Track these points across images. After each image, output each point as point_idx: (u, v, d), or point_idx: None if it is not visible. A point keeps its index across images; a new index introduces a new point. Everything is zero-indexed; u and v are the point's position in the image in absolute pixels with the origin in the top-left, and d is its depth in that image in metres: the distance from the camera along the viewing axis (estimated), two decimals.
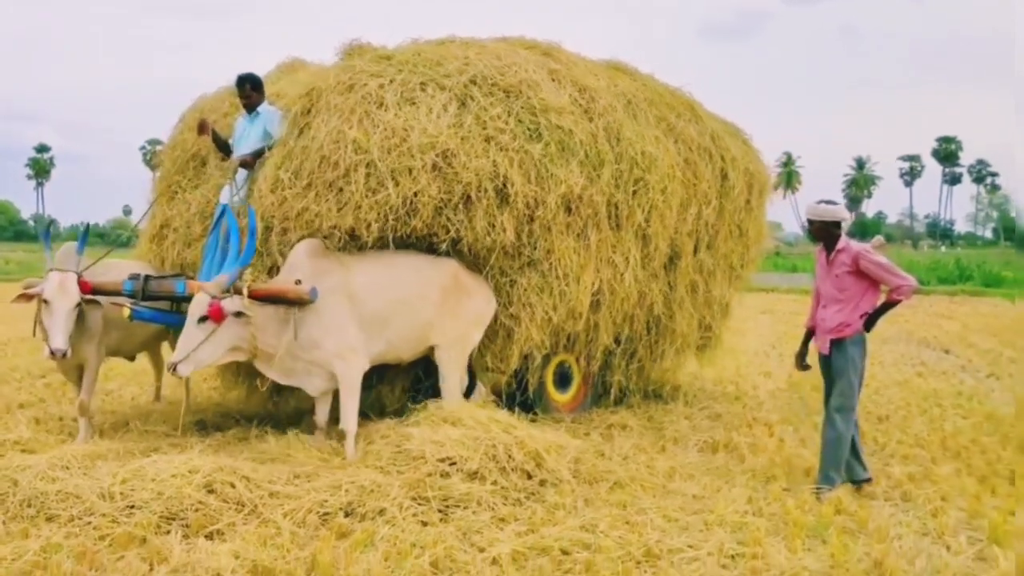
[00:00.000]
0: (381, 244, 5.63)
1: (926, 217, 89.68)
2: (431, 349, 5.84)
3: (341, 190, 5.49)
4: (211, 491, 4.45)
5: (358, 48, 6.37)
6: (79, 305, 5.54)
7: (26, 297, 5.59)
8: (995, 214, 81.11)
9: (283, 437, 5.54)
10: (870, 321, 5.14)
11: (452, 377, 5.83)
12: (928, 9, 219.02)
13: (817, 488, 4.99)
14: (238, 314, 5.07)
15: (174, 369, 5.04)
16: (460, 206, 5.61)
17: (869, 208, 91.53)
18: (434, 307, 5.67)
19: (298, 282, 5.26)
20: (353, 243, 5.65)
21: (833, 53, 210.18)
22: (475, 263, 5.92)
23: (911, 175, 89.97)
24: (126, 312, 5.59)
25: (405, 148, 5.46)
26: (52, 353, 5.41)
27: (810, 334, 5.47)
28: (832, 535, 4.23)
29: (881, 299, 5.17)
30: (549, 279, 5.96)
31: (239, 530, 4.15)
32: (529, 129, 5.79)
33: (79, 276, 5.59)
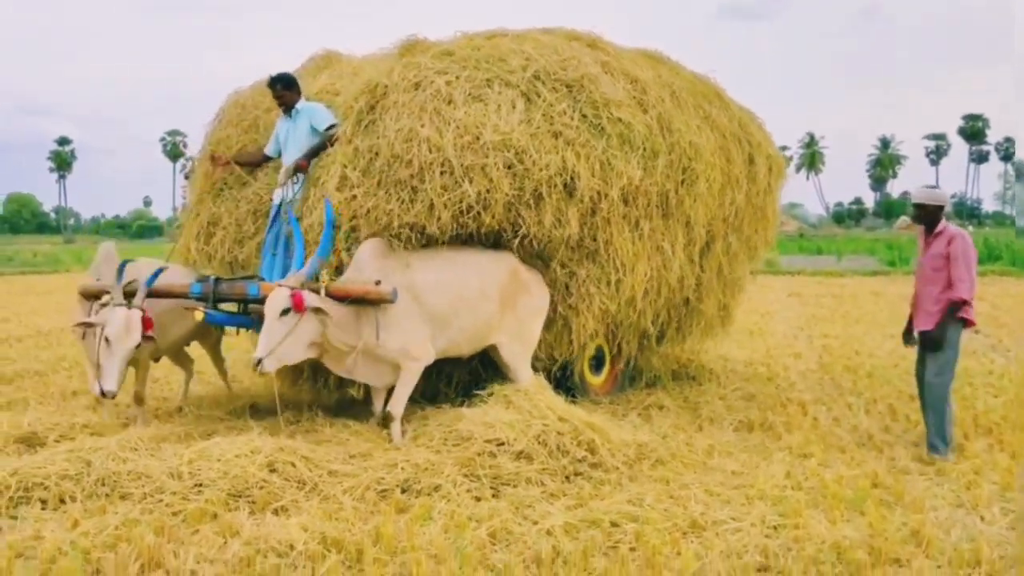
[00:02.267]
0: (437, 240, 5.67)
1: (953, 196, 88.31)
2: (492, 346, 5.90)
3: (415, 189, 5.51)
4: (273, 470, 4.69)
5: (416, 44, 6.33)
6: (139, 345, 5.47)
7: (86, 324, 5.53)
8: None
9: (335, 422, 5.76)
10: (940, 330, 5.49)
11: (521, 373, 5.89)
12: None
13: (929, 453, 5.47)
14: (317, 309, 5.05)
15: (259, 364, 4.97)
16: (531, 202, 5.64)
17: (894, 188, 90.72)
18: (495, 304, 5.73)
19: (378, 282, 5.26)
20: (417, 239, 5.66)
21: (856, 31, 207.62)
22: (537, 257, 5.98)
23: (937, 154, 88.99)
24: (199, 316, 5.57)
25: (478, 146, 5.50)
26: (103, 394, 5.33)
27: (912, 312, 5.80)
28: (870, 507, 4.39)
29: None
30: (607, 270, 6.08)
31: (303, 506, 4.39)
32: (592, 124, 5.86)
33: (143, 313, 5.48)
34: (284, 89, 6.21)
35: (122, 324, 5.32)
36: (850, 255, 31.59)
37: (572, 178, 5.66)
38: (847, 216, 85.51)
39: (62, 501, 4.45)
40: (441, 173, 5.46)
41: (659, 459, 5.19)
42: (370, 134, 5.77)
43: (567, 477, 4.87)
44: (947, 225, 5.59)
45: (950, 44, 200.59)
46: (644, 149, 6.03)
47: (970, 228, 57.63)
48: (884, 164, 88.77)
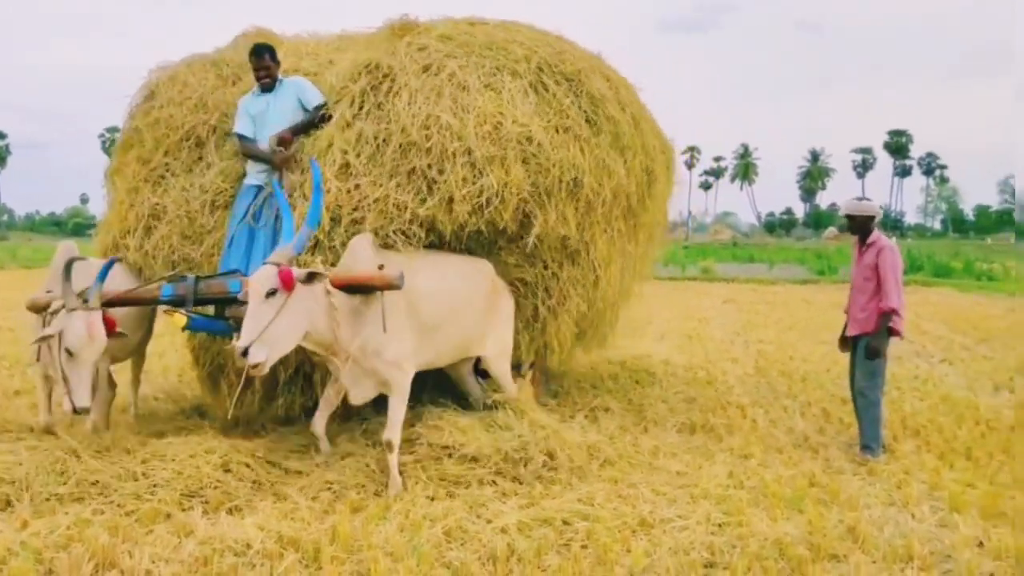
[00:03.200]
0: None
1: (881, 208, 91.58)
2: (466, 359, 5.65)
3: (432, 179, 5.12)
4: (228, 470, 4.68)
5: (410, 24, 5.94)
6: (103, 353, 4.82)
7: (42, 339, 4.85)
8: (944, 206, 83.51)
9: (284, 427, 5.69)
10: (874, 339, 5.72)
11: (507, 381, 5.69)
12: (884, 5, 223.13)
13: (862, 454, 5.71)
14: (309, 278, 4.38)
15: (245, 354, 4.12)
16: (542, 198, 5.35)
17: (823, 199, 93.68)
18: (480, 314, 5.41)
19: (381, 267, 4.73)
20: (423, 238, 5.24)
21: (790, 47, 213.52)
22: (527, 259, 5.73)
23: (863, 167, 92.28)
24: (181, 322, 4.89)
25: (497, 137, 5.18)
26: (76, 411, 4.68)
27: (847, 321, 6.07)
28: (808, 505, 4.60)
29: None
30: (586, 271, 5.90)
31: (257, 506, 4.39)
32: (590, 120, 5.65)
33: (104, 313, 4.79)
34: (272, 60, 5.65)
35: (82, 330, 4.62)
36: (781, 264, 32.54)
37: (577, 176, 5.45)
38: (778, 226, 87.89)
39: (8, 503, 4.35)
40: (463, 164, 5.10)
41: (607, 459, 5.33)
42: (376, 118, 5.35)
43: (515, 478, 4.94)
44: (879, 236, 5.87)
45: (880, 60, 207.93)
46: (626, 148, 5.90)
47: (894, 239, 59.79)
48: (814, 176, 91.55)
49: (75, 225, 70.10)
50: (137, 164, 5.98)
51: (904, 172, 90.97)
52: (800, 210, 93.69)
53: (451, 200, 5.09)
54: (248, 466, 4.75)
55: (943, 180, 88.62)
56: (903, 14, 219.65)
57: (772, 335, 12.26)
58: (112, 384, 5.80)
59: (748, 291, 21.09)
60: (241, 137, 5.65)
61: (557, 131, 5.42)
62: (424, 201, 5.11)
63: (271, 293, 4.26)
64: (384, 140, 5.22)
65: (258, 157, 5.53)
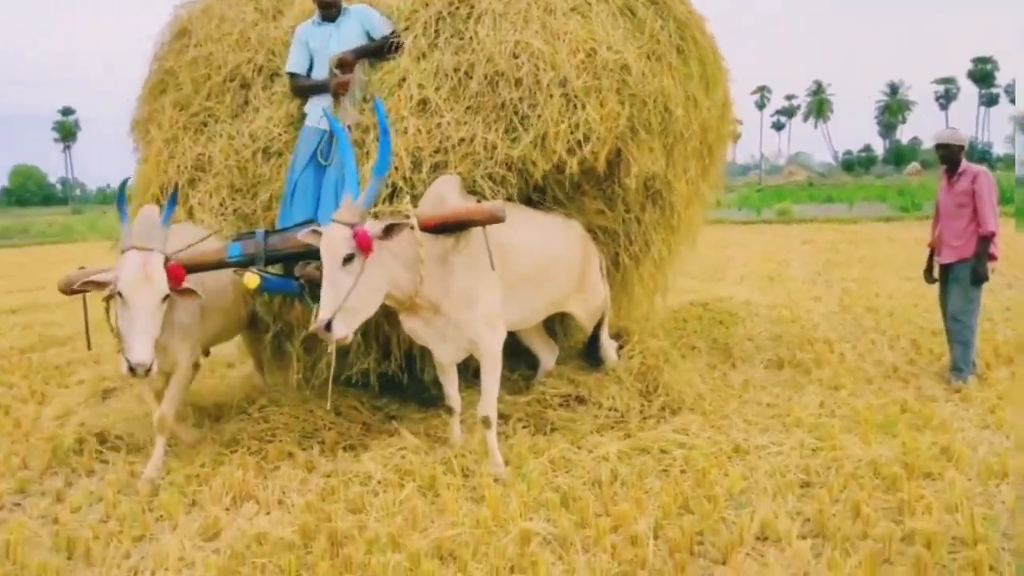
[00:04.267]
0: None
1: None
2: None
3: (525, 115, 4.65)
4: (339, 413, 5.01)
5: None
6: (167, 298, 4.05)
7: (95, 285, 4.05)
8: None
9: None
10: (979, 265, 5.77)
11: (605, 340, 5.45)
12: None
13: (953, 376, 5.82)
14: (387, 231, 3.93)
15: (327, 328, 3.74)
16: (637, 133, 4.97)
17: (904, 134, 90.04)
18: (576, 270, 5.05)
19: (479, 200, 4.38)
20: (510, 185, 4.72)
21: None
22: (605, 203, 5.33)
23: (946, 98, 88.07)
24: (253, 283, 4.36)
25: (592, 65, 4.76)
26: (132, 370, 3.86)
27: (933, 251, 6.14)
28: (901, 430, 4.69)
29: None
30: (667, 213, 5.54)
31: (371, 444, 4.70)
32: (679, 47, 5.24)
33: (167, 259, 4.11)
34: None
35: (137, 271, 3.90)
36: (861, 202, 31.63)
37: (670, 108, 5.09)
38: (857, 164, 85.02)
39: (140, 449, 4.78)
40: (558, 96, 4.65)
41: (699, 393, 5.48)
42: (456, 47, 4.86)
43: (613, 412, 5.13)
44: (969, 164, 5.87)
45: None
46: (710, 79, 5.53)
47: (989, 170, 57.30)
48: (893, 110, 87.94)
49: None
50: (174, 110, 5.39)
51: (991, 101, 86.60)
52: (879, 146, 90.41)
53: (544, 137, 4.62)
54: (356, 409, 5.07)
55: None
56: None
57: (855, 273, 12.09)
58: (195, 368, 4.91)
59: (828, 231, 20.66)
60: (292, 75, 5.16)
61: (649, 58, 5.03)
62: (516, 140, 4.63)
63: (348, 259, 3.84)
64: (466, 72, 4.76)
65: (313, 89, 5.04)
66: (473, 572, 3.20)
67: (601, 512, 3.74)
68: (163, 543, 3.49)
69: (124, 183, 4.29)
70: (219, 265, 4.48)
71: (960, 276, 5.83)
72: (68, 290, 4.23)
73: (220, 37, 5.51)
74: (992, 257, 5.78)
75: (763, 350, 6.93)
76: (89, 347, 4.69)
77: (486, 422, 4.35)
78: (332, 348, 3.95)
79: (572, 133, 4.63)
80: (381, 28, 5.11)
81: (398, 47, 5.01)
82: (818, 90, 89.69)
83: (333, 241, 3.88)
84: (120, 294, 3.90)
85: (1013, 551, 3.27)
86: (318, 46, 5.08)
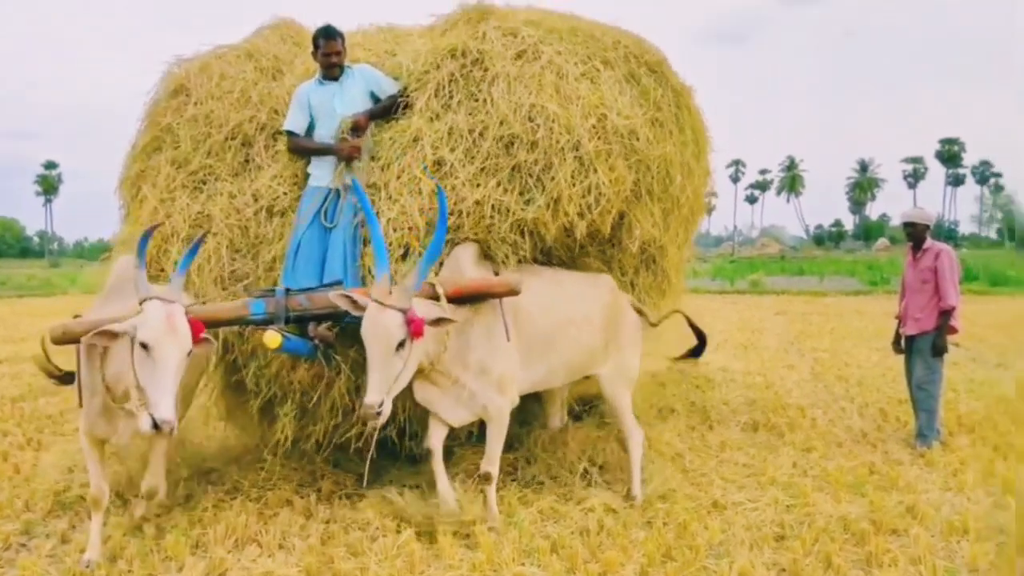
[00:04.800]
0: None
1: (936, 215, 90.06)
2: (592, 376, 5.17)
3: (538, 178, 4.67)
4: (336, 465, 5.21)
5: (487, 9, 5.40)
6: (189, 353, 3.81)
7: (108, 336, 3.72)
8: (999, 215, 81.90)
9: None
10: (938, 338, 6.18)
11: (626, 414, 5.14)
12: (926, 9, 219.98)
13: (918, 443, 6.13)
14: (437, 322, 4.06)
15: (377, 413, 3.85)
16: (641, 197, 5.09)
17: (873, 211, 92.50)
18: (599, 331, 4.95)
19: (496, 272, 4.53)
20: (520, 248, 4.73)
21: (833, 55, 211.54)
22: (606, 265, 5.37)
23: (915, 177, 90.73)
24: (275, 342, 4.20)
25: (603, 130, 4.81)
26: (157, 427, 3.57)
27: (900, 323, 6.52)
28: (869, 490, 4.97)
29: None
30: (659, 278, 5.64)
31: (366, 493, 4.88)
32: (675, 115, 5.35)
33: (188, 314, 3.88)
34: (343, 44, 5.06)
35: (164, 321, 3.67)
36: (831, 275, 32.42)
37: (671, 174, 5.21)
38: (827, 238, 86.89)
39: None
40: (572, 159, 4.68)
41: (677, 452, 5.73)
42: (469, 109, 4.88)
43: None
44: (933, 242, 6.30)
45: (927, 66, 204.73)
46: (701, 146, 5.68)
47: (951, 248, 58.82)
48: (863, 187, 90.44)
49: None
50: (171, 168, 5.22)
51: (957, 181, 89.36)
52: (849, 222, 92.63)
53: (558, 200, 4.66)
54: (352, 460, 5.26)
55: (998, 188, 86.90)
56: (948, 23, 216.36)
57: (826, 344, 12.49)
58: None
59: (800, 303, 21.19)
60: (290, 134, 5.08)
61: (653, 125, 5.12)
62: (529, 203, 4.66)
63: (401, 345, 3.92)
64: (480, 133, 4.76)
65: (316, 151, 4.99)
66: None
67: (589, 559, 3.96)
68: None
69: (149, 232, 4.06)
70: (239, 322, 4.37)
71: (923, 347, 6.20)
72: (64, 340, 3.91)
73: (221, 95, 5.40)
74: (952, 330, 6.17)
75: (739, 413, 7.21)
76: (81, 404, 4.11)
77: (487, 478, 4.48)
78: (377, 425, 4.00)
79: (584, 197, 4.70)
80: (387, 88, 5.12)
81: (406, 107, 5.05)
82: (791, 165, 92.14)
83: (387, 327, 3.92)
84: (145, 346, 3.62)
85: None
86: (320, 105, 5.02)
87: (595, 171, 4.72)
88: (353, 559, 3.93)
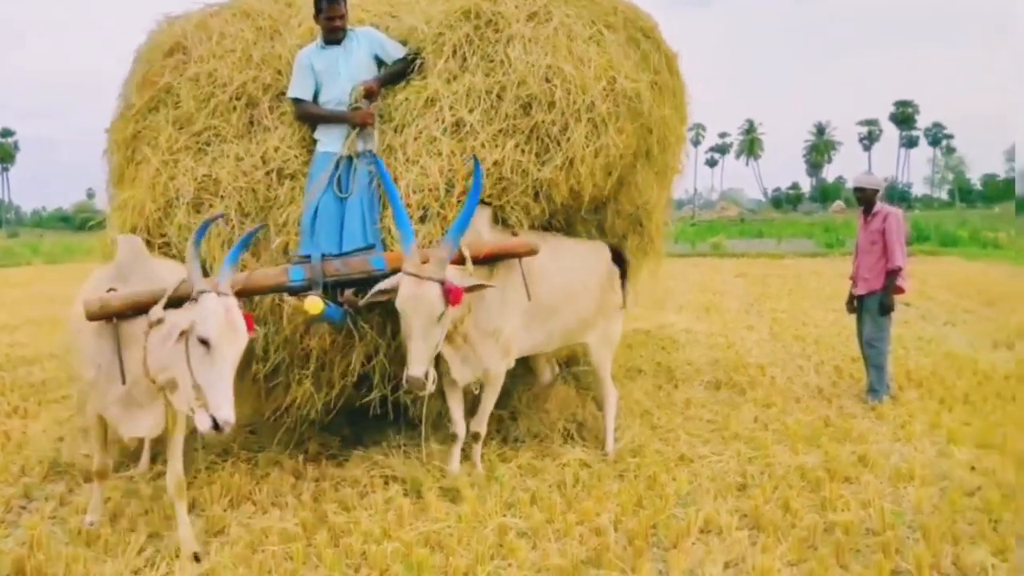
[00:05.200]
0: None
1: (885, 180, 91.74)
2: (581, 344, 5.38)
3: (555, 139, 4.73)
4: (324, 427, 5.40)
5: None
6: None
7: (160, 322, 3.57)
8: (951, 176, 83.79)
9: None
10: (885, 297, 6.51)
11: (607, 381, 5.42)
12: None
13: (869, 397, 6.49)
14: (473, 288, 4.20)
15: (423, 381, 4.02)
16: (642, 159, 5.22)
17: (829, 173, 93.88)
18: (595, 300, 5.14)
19: (515, 233, 4.63)
20: (529, 211, 4.81)
21: (794, 20, 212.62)
22: (598, 230, 5.53)
23: (870, 139, 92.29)
24: (317, 308, 4.15)
25: (613, 92, 4.90)
26: (218, 427, 3.37)
27: (853, 283, 6.87)
28: (824, 441, 5.33)
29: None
30: (644, 240, 5.83)
31: (351, 453, 5.12)
32: (669, 80, 5.46)
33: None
34: (345, 7, 4.95)
35: (223, 316, 3.47)
36: (789, 238, 33.07)
37: (666, 137, 5.36)
38: (785, 200, 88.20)
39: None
40: (587, 121, 4.76)
41: (646, 410, 6.04)
42: (486, 70, 4.88)
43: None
44: (882, 206, 6.64)
45: (883, 30, 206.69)
46: (683, 111, 5.78)
47: (899, 209, 60.23)
48: (820, 150, 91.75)
49: (82, 220, 70.68)
50: (172, 128, 5.04)
51: (911, 143, 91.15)
52: (806, 184, 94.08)
53: (572, 162, 4.73)
54: (336, 424, 5.46)
55: (950, 150, 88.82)
56: None
57: (784, 305, 12.91)
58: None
59: (759, 265, 21.70)
60: (297, 101, 4.99)
61: (653, 89, 5.23)
62: (544, 164, 4.73)
63: (440, 315, 4.04)
64: (498, 95, 4.78)
65: (328, 119, 4.91)
66: (460, 558, 3.66)
67: (566, 510, 4.24)
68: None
69: (207, 224, 3.94)
70: (277, 289, 4.34)
71: (871, 307, 6.57)
72: (101, 315, 3.71)
73: (223, 54, 5.19)
74: (899, 290, 6.53)
75: (702, 372, 7.56)
76: (124, 381, 3.74)
77: (476, 436, 4.77)
78: (426, 393, 4.12)
79: (595, 158, 4.79)
80: (394, 52, 5.07)
81: (421, 67, 5.02)
82: (750, 129, 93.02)
83: (429, 299, 4.00)
84: (206, 343, 3.41)
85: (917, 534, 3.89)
86: (325, 69, 4.92)
87: (607, 132, 4.80)
88: (345, 513, 4.17)
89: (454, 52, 4.95)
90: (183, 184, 4.86)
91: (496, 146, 4.68)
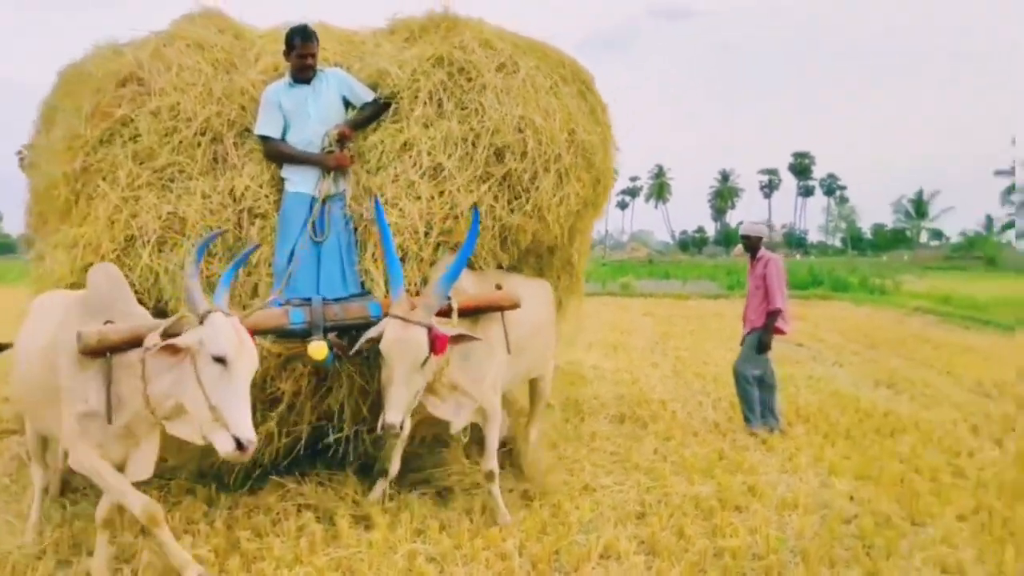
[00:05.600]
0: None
1: (783, 227, 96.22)
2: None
3: (525, 187, 4.90)
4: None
5: (454, 19, 5.50)
6: None
7: (171, 350, 3.44)
8: (843, 225, 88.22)
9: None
10: (764, 335, 7.02)
11: (543, 406, 5.78)
12: (786, 27, 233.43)
13: (746, 426, 7.04)
14: (458, 339, 4.22)
15: (398, 430, 4.01)
16: (589, 208, 5.46)
17: (733, 218, 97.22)
18: (552, 335, 5.43)
19: (498, 287, 4.74)
20: (488, 257, 4.98)
21: (704, 68, 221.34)
22: (534, 272, 5.66)
23: (770, 187, 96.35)
24: (322, 353, 4.12)
25: (573, 143, 5.12)
26: (242, 447, 3.32)
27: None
28: (718, 473, 5.66)
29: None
30: (575, 280, 6.06)
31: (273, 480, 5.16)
32: (606, 127, 5.69)
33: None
34: (317, 46, 4.92)
35: (235, 334, 3.45)
36: (694, 279, 34.23)
37: (607, 187, 5.64)
38: (691, 243, 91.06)
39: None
40: (554, 171, 4.96)
41: (553, 442, 6.28)
42: (460, 117, 4.99)
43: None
44: (765, 251, 7.24)
45: (782, 84, 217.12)
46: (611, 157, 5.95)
47: (798, 256, 63.14)
48: (724, 196, 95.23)
49: None
50: (133, 163, 4.83)
51: (807, 192, 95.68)
52: (711, 228, 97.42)
53: (540, 209, 4.94)
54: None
55: (843, 200, 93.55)
56: (795, 44, 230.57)
57: (687, 343, 13.46)
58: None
59: (665, 305, 22.44)
60: (266, 139, 4.91)
61: (602, 141, 5.49)
62: (514, 210, 4.91)
63: (424, 362, 4.05)
64: (472, 142, 4.89)
65: (301, 160, 4.85)
66: None
67: (474, 535, 4.41)
68: (85, 563, 3.86)
69: (207, 241, 4.12)
70: (277, 331, 4.29)
71: (750, 343, 7.10)
72: (99, 349, 3.56)
73: (184, 87, 5.01)
74: (779, 330, 7.04)
75: (608, 407, 7.87)
76: (109, 420, 3.63)
77: (490, 475, 4.65)
78: (397, 443, 4.22)
79: (559, 206, 5.01)
80: (363, 95, 5.05)
81: (393, 112, 5.07)
82: (659, 173, 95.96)
83: (414, 343, 3.99)
84: (222, 361, 3.37)
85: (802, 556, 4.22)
86: (294, 109, 4.87)
87: (570, 182, 5.05)
88: (258, 540, 4.24)
89: (430, 97, 5.02)
90: (146, 222, 4.66)
91: (471, 191, 4.80)
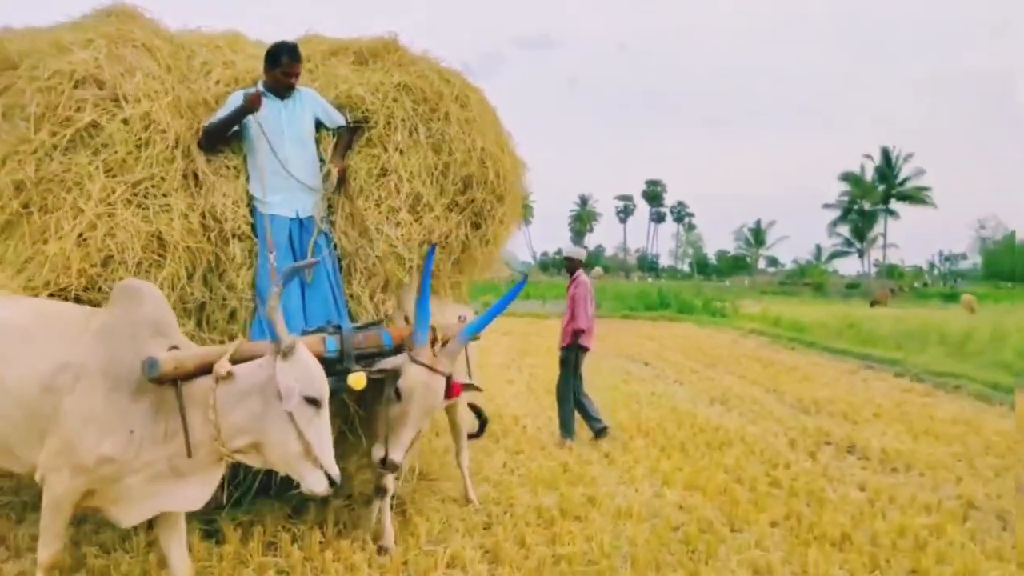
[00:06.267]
0: None
1: (637, 251, 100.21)
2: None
3: (485, 217, 5.03)
4: None
5: (394, 44, 5.40)
6: None
7: (269, 390, 3.32)
8: (691, 250, 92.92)
9: None
10: (568, 351, 7.77)
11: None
12: (636, 63, 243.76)
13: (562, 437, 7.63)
14: (466, 387, 4.65)
15: (396, 468, 4.14)
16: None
17: (591, 241, 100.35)
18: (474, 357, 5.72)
19: (462, 319, 4.78)
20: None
21: (559, 98, 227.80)
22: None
23: (625, 213, 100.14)
24: (361, 383, 3.91)
25: (515, 173, 5.28)
26: (334, 484, 3.32)
27: None
28: (561, 484, 6.03)
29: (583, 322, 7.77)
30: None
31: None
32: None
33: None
34: (298, 63, 4.79)
35: (322, 372, 3.44)
36: (553, 300, 35.16)
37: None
38: (551, 265, 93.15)
39: None
40: (506, 201, 5.10)
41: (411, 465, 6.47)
42: (431, 146, 4.97)
43: None
44: (580, 274, 8.00)
45: (637, 114, 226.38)
46: None
47: (650, 279, 65.89)
48: (583, 219, 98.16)
49: None
50: (107, 177, 4.33)
51: (659, 218, 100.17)
52: None
53: (495, 236, 5.13)
54: None
55: (691, 227, 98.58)
56: (647, 78, 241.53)
57: (542, 361, 13.93)
58: None
59: (524, 324, 23.01)
60: (209, 129, 4.68)
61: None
62: (479, 241, 5.06)
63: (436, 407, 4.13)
64: (442, 171, 4.93)
65: (228, 118, 4.66)
66: None
67: (325, 548, 4.55)
68: None
69: (300, 268, 3.79)
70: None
71: (561, 360, 7.81)
72: (176, 375, 3.31)
73: (152, 95, 4.56)
74: (583, 348, 7.70)
75: (463, 422, 8.11)
76: (189, 454, 3.36)
77: (381, 491, 4.77)
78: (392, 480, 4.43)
79: (503, 234, 5.23)
80: (336, 118, 4.97)
81: (367, 137, 5.00)
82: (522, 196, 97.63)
83: (436, 391, 4.10)
84: (316, 402, 3.30)
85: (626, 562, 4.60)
86: (265, 121, 4.62)
87: (516, 211, 5.33)
88: (105, 556, 4.21)
89: (402, 124, 4.97)
90: (125, 241, 4.20)
91: (445, 220, 4.87)
